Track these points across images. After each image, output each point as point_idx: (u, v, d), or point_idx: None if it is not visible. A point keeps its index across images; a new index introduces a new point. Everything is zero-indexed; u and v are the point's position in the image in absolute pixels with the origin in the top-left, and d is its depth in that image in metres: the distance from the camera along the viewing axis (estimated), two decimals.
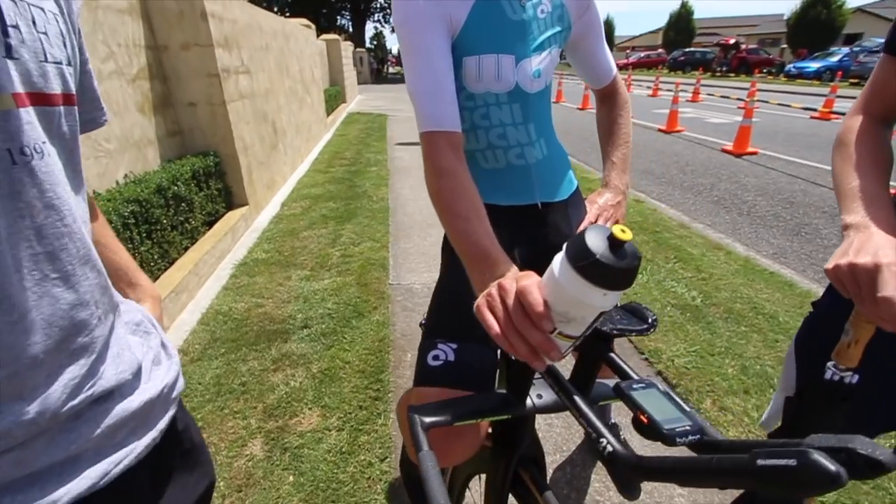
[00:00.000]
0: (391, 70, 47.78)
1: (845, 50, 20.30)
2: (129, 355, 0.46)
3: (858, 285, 0.54)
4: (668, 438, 0.39)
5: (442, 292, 0.89)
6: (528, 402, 0.58)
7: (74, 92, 0.41)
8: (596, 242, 0.37)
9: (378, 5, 35.95)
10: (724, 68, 25.90)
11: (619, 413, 1.47)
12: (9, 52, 0.33)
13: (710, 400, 1.70)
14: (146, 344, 0.52)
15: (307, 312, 2.30)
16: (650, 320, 0.57)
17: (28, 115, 0.34)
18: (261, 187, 4.00)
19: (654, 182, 4.88)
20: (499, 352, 0.78)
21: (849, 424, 0.75)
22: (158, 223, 2.45)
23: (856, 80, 16.10)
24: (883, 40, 0.68)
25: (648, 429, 0.41)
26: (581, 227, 0.91)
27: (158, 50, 3.02)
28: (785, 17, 29.32)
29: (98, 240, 0.57)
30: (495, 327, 0.45)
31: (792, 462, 0.28)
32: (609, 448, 0.43)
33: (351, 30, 34.98)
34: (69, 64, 0.40)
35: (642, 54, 37.43)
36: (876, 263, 0.52)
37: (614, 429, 1.43)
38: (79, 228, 0.39)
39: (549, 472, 1.42)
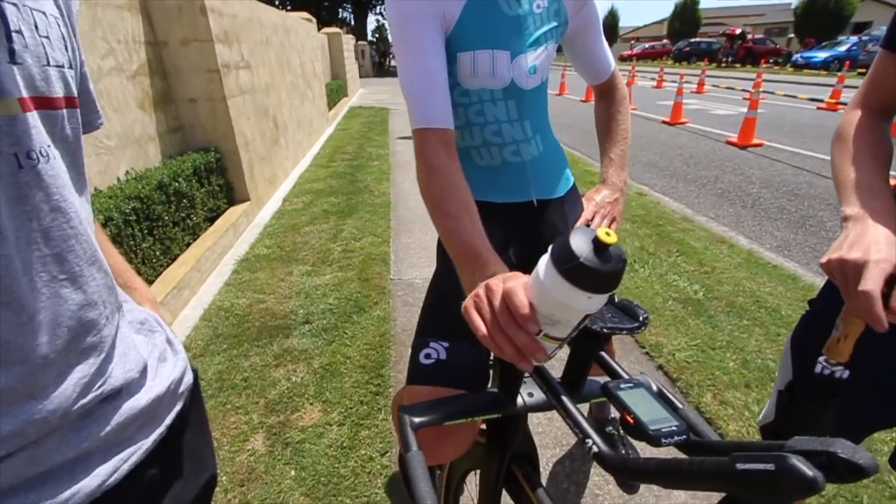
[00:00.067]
0: (393, 63, 47.56)
1: (854, 39, 19.99)
2: (135, 354, 0.47)
3: (847, 280, 0.54)
4: (654, 439, 0.39)
5: (435, 291, 0.89)
6: (519, 400, 0.58)
7: (76, 94, 0.41)
8: (580, 245, 0.37)
9: None
10: (730, 59, 25.58)
11: None
12: (13, 57, 0.33)
13: (711, 394, 1.70)
14: (151, 342, 0.52)
15: (308, 308, 2.31)
16: (641, 318, 0.56)
17: (33, 119, 0.35)
18: (262, 183, 4.01)
19: (657, 175, 4.85)
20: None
21: (841, 421, 0.75)
22: (160, 219, 2.46)
23: (864, 70, 15.76)
24: None
25: (634, 429, 0.41)
26: (576, 225, 0.90)
27: (158, 46, 3.01)
28: (792, 6, 28.91)
29: None
30: (482, 328, 0.45)
31: (770, 467, 0.28)
32: (595, 449, 0.43)
33: (353, 22, 34.78)
34: (70, 67, 0.41)
35: (647, 45, 37.03)
36: (865, 259, 0.52)
37: (614, 424, 1.43)
38: (84, 230, 0.40)
39: (550, 466, 1.43)
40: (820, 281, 2.52)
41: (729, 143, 6.10)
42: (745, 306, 2.27)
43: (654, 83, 14.26)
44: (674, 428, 0.40)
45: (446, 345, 0.79)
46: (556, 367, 0.57)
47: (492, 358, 0.80)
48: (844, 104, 8.62)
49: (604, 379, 0.63)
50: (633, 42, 42.58)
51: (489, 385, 0.80)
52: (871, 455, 0.28)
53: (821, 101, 8.89)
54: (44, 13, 0.37)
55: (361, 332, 2.10)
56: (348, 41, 12.11)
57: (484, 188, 0.89)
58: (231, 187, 3.52)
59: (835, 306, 0.61)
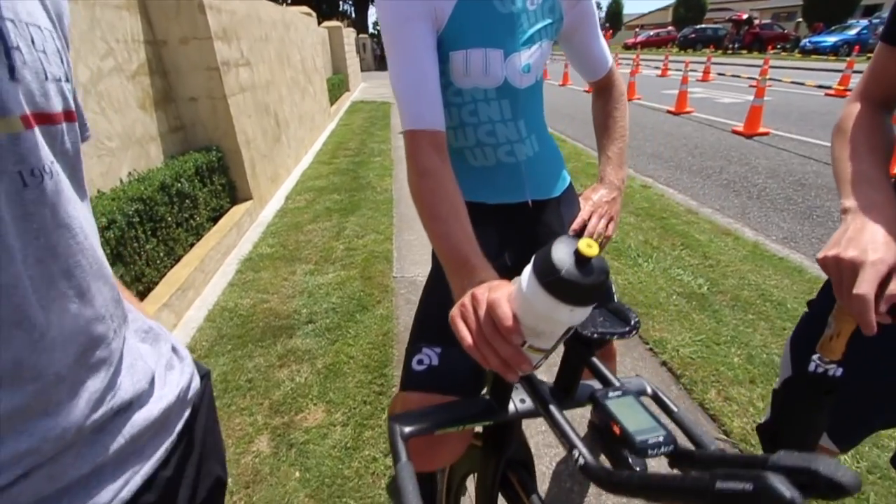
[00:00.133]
0: None
1: (864, 22, 19.58)
2: (143, 364, 0.47)
3: (841, 278, 0.54)
4: (639, 451, 0.39)
5: (428, 295, 0.88)
6: (511, 407, 0.57)
7: (74, 108, 0.41)
8: (562, 258, 0.36)
9: None
10: (737, 45, 25.18)
11: None
12: (12, 75, 0.32)
13: (715, 390, 1.69)
14: (157, 351, 0.53)
15: (312, 307, 2.32)
16: (633, 322, 0.56)
17: (35, 136, 0.34)
18: (264, 181, 4.01)
19: (662, 166, 4.80)
20: None
21: (840, 421, 0.74)
22: (163, 221, 2.47)
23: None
24: None
25: (620, 440, 0.41)
26: (573, 226, 0.89)
27: (157, 45, 3.01)
28: None
29: None
30: (467, 338, 0.44)
31: (749, 486, 0.28)
32: (581, 461, 0.42)
33: (353, 15, 34.55)
34: (67, 80, 0.40)
35: (651, 33, 36.50)
36: (861, 260, 0.51)
37: None
38: (90, 244, 0.40)
39: (553, 465, 1.43)
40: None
41: (735, 132, 6.02)
42: (751, 300, 2.25)
43: (659, 72, 14.08)
44: (660, 439, 0.40)
45: (438, 350, 0.79)
46: (553, 368, 0.57)
47: None
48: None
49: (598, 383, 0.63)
50: (637, 30, 41.98)
51: (484, 390, 0.80)
52: (853, 473, 0.28)
53: (829, 87, 8.75)
54: (39, 27, 0.36)
55: (364, 331, 2.11)
56: (349, 35, 12.04)
57: (478, 189, 0.88)
58: (233, 186, 3.52)
59: (833, 308, 0.60)
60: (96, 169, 2.28)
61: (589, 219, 0.89)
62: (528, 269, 0.39)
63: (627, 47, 33.86)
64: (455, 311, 0.48)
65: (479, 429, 0.77)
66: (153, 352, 0.52)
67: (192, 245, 2.81)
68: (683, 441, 0.49)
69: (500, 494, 0.71)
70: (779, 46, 23.52)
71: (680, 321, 2.11)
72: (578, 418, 1.54)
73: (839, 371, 0.61)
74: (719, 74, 12.18)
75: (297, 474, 1.41)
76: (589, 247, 0.36)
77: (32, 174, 0.34)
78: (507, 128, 0.83)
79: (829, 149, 0.72)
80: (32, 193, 0.34)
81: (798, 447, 0.67)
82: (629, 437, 0.40)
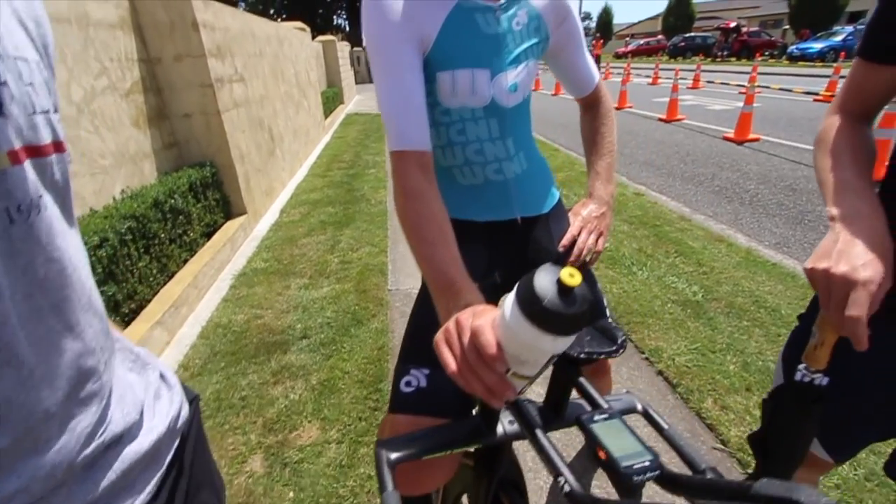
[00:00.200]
0: None
1: (849, 28, 19.96)
2: (132, 396, 0.47)
3: (830, 293, 0.54)
4: (625, 476, 0.39)
5: (416, 316, 0.88)
6: (500, 429, 0.57)
7: (62, 138, 0.41)
8: (544, 287, 0.36)
9: None
10: (726, 53, 25.56)
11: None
12: (1, 111, 0.32)
13: (712, 399, 1.68)
14: (145, 379, 0.52)
15: (306, 322, 2.31)
16: (619, 341, 0.56)
17: (23, 171, 0.34)
18: (259, 195, 4.01)
19: (654, 173, 4.84)
20: None
21: (835, 438, 0.74)
22: (156, 237, 2.47)
23: None
24: None
25: (606, 465, 0.40)
26: (563, 241, 0.90)
27: (151, 62, 3.03)
28: None
29: None
30: (451, 365, 0.44)
31: None
32: (567, 488, 0.42)
33: (347, 29, 34.93)
34: (55, 111, 0.40)
35: (641, 41, 37.05)
36: (853, 279, 0.51)
37: None
38: (79, 276, 0.39)
39: (550, 479, 1.42)
40: None
41: (726, 138, 6.08)
42: (745, 307, 2.26)
43: (650, 80, 14.25)
44: (646, 464, 0.40)
45: (427, 372, 0.78)
46: (546, 380, 0.56)
47: None
48: None
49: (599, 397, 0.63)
50: (628, 39, 42.61)
51: (475, 409, 0.79)
52: (833, 502, 0.28)
53: (816, 93, 8.88)
54: (26, 60, 0.36)
55: (359, 345, 2.10)
56: (343, 48, 12.15)
57: (467, 207, 0.88)
58: (228, 201, 3.53)
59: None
60: (89, 187, 2.28)
61: (578, 234, 0.89)
62: (511, 298, 0.39)
63: (619, 56, 34.31)
64: (439, 337, 0.47)
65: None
66: (141, 381, 0.51)
67: (185, 261, 2.80)
68: (674, 458, 0.48)
69: None
70: (767, 53, 23.88)
71: (675, 329, 2.11)
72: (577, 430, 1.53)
73: (825, 380, 0.61)
74: (709, 82, 12.34)
75: (291, 494, 1.39)
76: (571, 276, 0.36)
77: (19, 210, 0.33)
78: (496, 146, 0.84)
79: None
80: (20, 229, 0.34)
81: (788, 456, 0.68)
82: (614, 462, 0.40)
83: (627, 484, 0.39)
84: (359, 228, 3.56)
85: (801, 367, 0.63)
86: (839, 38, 19.12)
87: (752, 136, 5.87)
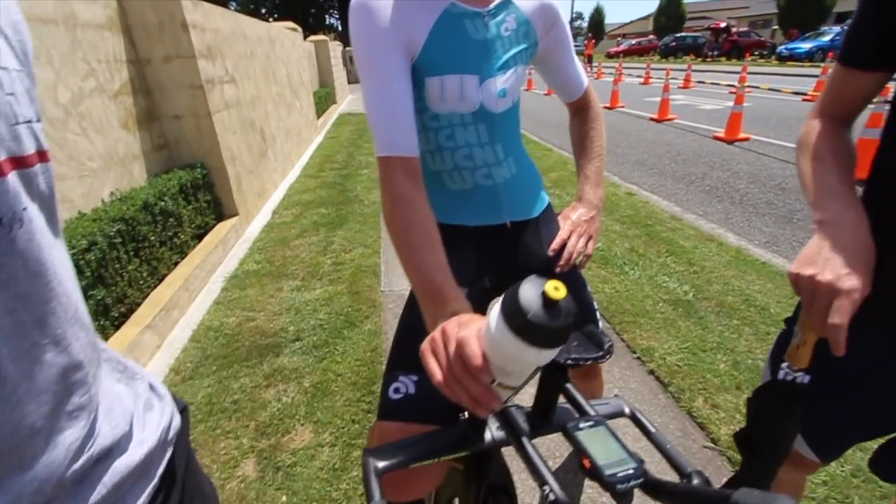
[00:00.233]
0: None
1: (837, 29, 20.20)
2: (120, 407, 0.46)
3: (813, 298, 0.55)
4: (609, 485, 0.39)
5: (404, 322, 0.88)
6: (487, 435, 0.57)
7: (46, 148, 0.40)
8: (529, 300, 0.36)
9: None
10: (716, 53, 25.78)
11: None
12: None
13: (702, 398, 1.70)
14: (133, 390, 0.51)
15: (299, 324, 2.30)
16: (606, 347, 0.56)
17: (6, 184, 0.33)
18: (251, 196, 3.99)
19: (646, 173, 4.87)
20: None
21: (820, 439, 0.75)
22: (146, 240, 2.44)
23: None
24: None
25: (591, 473, 0.41)
26: (553, 245, 0.90)
27: (140, 63, 3.00)
28: None
29: None
30: (437, 375, 0.44)
31: None
32: (551, 496, 0.43)
33: (340, 28, 34.80)
34: (38, 120, 0.40)
35: (633, 41, 37.28)
36: (838, 287, 0.52)
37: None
38: (65, 289, 0.39)
39: None
40: None
41: (716, 138, 6.14)
42: (735, 305, 2.28)
43: (642, 80, 14.35)
44: (630, 471, 0.40)
45: (415, 378, 0.78)
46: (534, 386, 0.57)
47: None
48: None
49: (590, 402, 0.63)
50: (619, 39, 42.85)
51: (464, 415, 0.79)
52: None
53: (805, 93, 8.99)
54: (7, 69, 0.36)
55: (352, 347, 2.09)
56: (335, 48, 12.11)
57: (456, 212, 0.89)
58: (219, 203, 3.50)
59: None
60: (77, 190, 2.26)
61: (568, 238, 0.90)
62: (496, 310, 0.39)
63: (611, 56, 34.50)
64: (425, 346, 0.47)
65: None
66: (130, 392, 0.50)
67: (176, 264, 2.78)
68: (659, 463, 0.49)
69: None
70: (756, 53, 24.13)
71: (666, 329, 2.13)
72: None
73: (806, 378, 0.63)
74: (699, 82, 12.44)
75: (284, 498, 1.38)
76: (556, 290, 0.36)
77: (1, 223, 0.33)
78: (485, 151, 0.84)
79: None
80: (2, 243, 0.33)
81: (773, 453, 0.69)
82: (598, 470, 0.40)
83: (612, 492, 0.40)
84: (352, 229, 3.56)
85: (783, 365, 0.64)
86: (827, 38, 19.36)
87: (742, 135, 5.93)
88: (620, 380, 1.85)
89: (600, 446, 0.42)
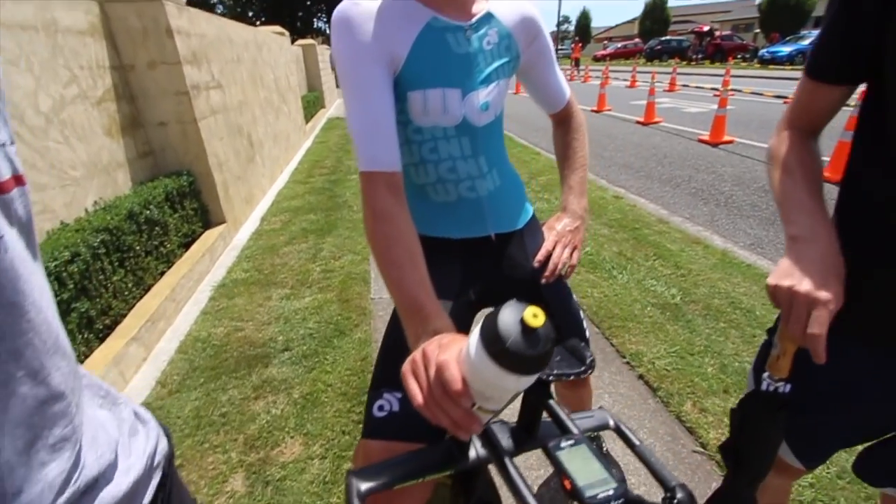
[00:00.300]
0: None
1: (815, 33, 20.67)
2: (105, 435, 0.45)
3: (791, 309, 0.56)
4: None
5: (388, 338, 0.87)
6: (472, 453, 0.56)
7: (22, 171, 0.39)
8: (508, 328, 0.37)
9: None
10: (700, 56, 26.21)
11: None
12: None
13: (691, 402, 1.72)
14: (117, 416, 0.50)
15: (288, 334, 2.28)
16: (588, 361, 0.57)
17: None
18: (239, 203, 3.95)
19: (633, 176, 4.92)
20: None
21: (804, 446, 0.77)
22: (131, 250, 2.40)
23: None
24: None
25: (571, 494, 0.41)
26: (538, 257, 0.90)
27: (124, 70, 2.95)
28: (757, 2, 29.79)
29: None
30: (418, 398, 0.44)
31: None
32: None
33: (328, 31, 34.71)
34: (12, 143, 0.39)
35: (619, 45, 37.75)
36: (815, 297, 0.54)
37: (598, 440, 1.43)
38: (44, 318, 0.37)
39: (534, 487, 1.43)
40: None
41: (701, 140, 6.23)
42: (722, 308, 2.32)
43: (628, 83, 14.52)
44: (610, 492, 0.41)
45: (400, 395, 0.77)
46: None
47: None
48: None
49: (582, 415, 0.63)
50: (606, 42, 43.35)
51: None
52: None
53: (786, 96, 9.15)
54: None
55: (342, 357, 2.08)
56: (323, 52, 12.06)
57: (440, 224, 0.89)
58: (206, 210, 3.46)
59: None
60: (59, 200, 2.21)
61: (553, 248, 0.90)
62: (475, 335, 0.40)
63: (598, 59, 34.88)
64: (406, 368, 0.47)
65: None
66: (113, 418, 0.49)
67: (162, 273, 2.74)
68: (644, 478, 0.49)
69: None
70: (739, 56, 24.57)
71: (655, 333, 2.15)
72: None
73: (788, 388, 0.64)
74: (684, 86, 12.62)
75: None
76: (535, 317, 0.36)
77: None
78: (468, 164, 0.84)
79: None
80: None
81: (757, 463, 0.70)
82: (579, 491, 0.40)
83: None
84: (341, 236, 3.54)
85: (765, 376, 0.65)
86: (807, 41, 19.80)
87: (726, 138, 6.03)
88: (610, 385, 1.86)
89: (581, 466, 0.43)
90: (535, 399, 0.56)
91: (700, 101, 10.19)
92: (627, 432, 0.59)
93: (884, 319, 0.63)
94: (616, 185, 4.61)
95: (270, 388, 1.90)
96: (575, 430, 0.52)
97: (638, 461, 0.55)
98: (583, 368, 0.56)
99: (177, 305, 2.60)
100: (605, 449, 1.40)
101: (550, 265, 0.89)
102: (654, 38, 32.96)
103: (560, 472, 0.42)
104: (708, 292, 2.47)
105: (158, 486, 0.50)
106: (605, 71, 11.67)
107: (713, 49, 25.53)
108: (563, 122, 0.99)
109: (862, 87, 0.65)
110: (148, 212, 2.60)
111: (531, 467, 1.49)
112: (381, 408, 0.77)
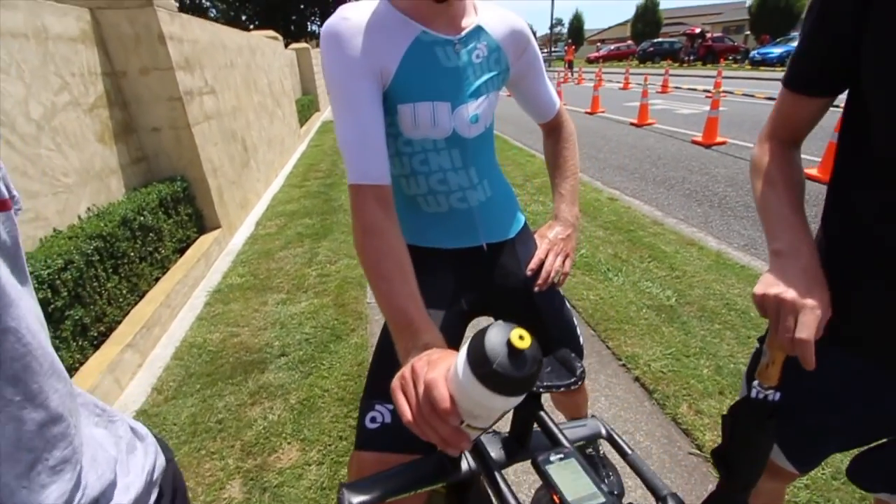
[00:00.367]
0: None
1: None
2: (104, 454, 0.45)
3: (778, 317, 0.58)
4: None
5: (380, 349, 0.87)
6: (464, 464, 0.56)
7: (7, 196, 0.39)
8: (494, 349, 0.37)
9: None
10: (692, 58, 26.42)
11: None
12: None
13: (687, 404, 1.73)
14: (114, 433, 0.50)
15: (284, 339, 2.27)
16: (578, 373, 0.57)
17: None
18: (234, 208, 3.94)
19: (627, 178, 4.95)
20: None
21: (799, 448, 0.78)
22: (125, 256, 2.39)
23: None
24: None
25: None
26: (531, 265, 0.91)
27: (116, 76, 2.94)
28: (747, 4, 30.09)
29: None
30: (407, 414, 0.44)
31: None
32: None
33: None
34: None
35: (612, 47, 38.00)
36: (801, 304, 0.55)
37: (595, 445, 1.43)
38: (38, 342, 0.37)
39: (531, 492, 1.43)
40: None
41: (694, 142, 6.28)
42: (716, 310, 2.33)
43: (621, 85, 14.62)
44: None
45: (391, 407, 0.77)
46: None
47: None
48: None
49: (577, 423, 0.64)
50: (599, 44, 43.62)
51: None
52: None
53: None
54: None
55: (339, 361, 2.07)
56: (317, 55, 12.06)
57: (432, 235, 0.89)
58: (201, 215, 3.44)
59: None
60: (52, 207, 2.20)
61: (546, 257, 0.91)
62: (462, 356, 0.40)
63: (591, 61, 35.07)
64: (395, 384, 0.48)
65: None
66: (110, 435, 0.49)
67: (157, 279, 2.72)
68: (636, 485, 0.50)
69: None
70: (730, 58, 24.78)
71: (650, 335, 2.16)
72: None
73: (777, 396, 0.65)
74: (676, 87, 12.72)
75: None
76: (521, 339, 0.36)
77: None
78: (458, 175, 0.84)
79: None
80: None
81: (748, 469, 0.70)
82: None
83: None
84: (336, 240, 3.53)
85: (755, 384, 0.66)
86: (796, 43, 20.01)
87: (719, 139, 6.08)
88: (606, 387, 1.87)
89: (570, 481, 0.43)
90: (526, 411, 0.57)
91: (692, 102, 10.27)
92: (620, 441, 0.59)
93: (871, 329, 0.64)
94: (611, 187, 4.63)
95: (267, 393, 1.89)
96: (565, 443, 0.52)
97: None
98: (573, 380, 0.56)
99: (172, 311, 2.59)
100: (601, 452, 1.40)
101: (543, 273, 0.90)
102: (646, 40, 33.17)
103: (549, 486, 0.43)
104: (703, 294, 2.49)
105: (157, 500, 0.50)
106: (599, 73, 11.75)
107: (705, 51, 25.72)
108: (553, 131, 0.99)
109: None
110: (142, 218, 2.59)
111: (528, 470, 1.49)
112: (373, 419, 0.77)
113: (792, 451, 0.78)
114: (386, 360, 0.83)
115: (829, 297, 0.58)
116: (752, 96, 9.35)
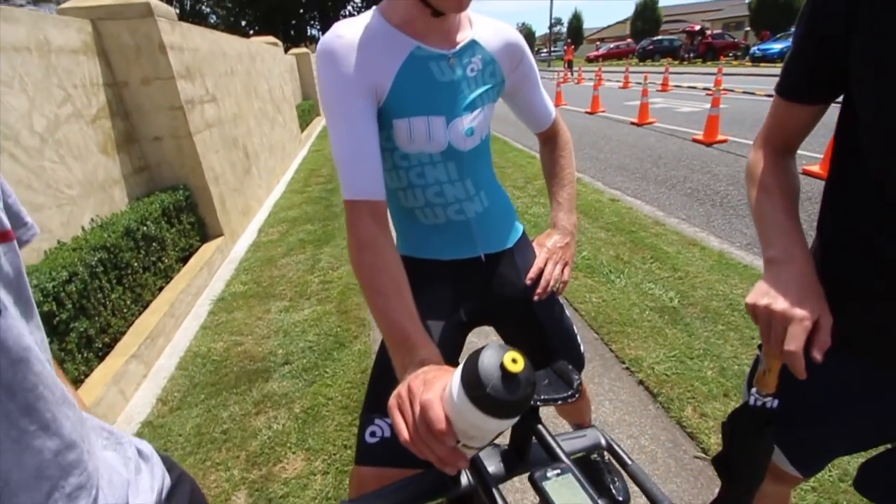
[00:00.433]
0: None
1: None
2: (118, 477, 0.45)
3: (770, 327, 0.58)
4: None
5: (379, 363, 0.88)
6: (464, 479, 0.56)
7: (9, 227, 0.39)
8: (488, 372, 0.37)
9: (346, 13, 35.87)
10: (692, 55, 26.35)
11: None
12: None
13: (691, 407, 1.72)
14: (123, 455, 0.50)
15: (288, 347, 2.28)
16: (575, 385, 0.57)
17: None
18: (236, 215, 3.95)
19: (628, 178, 4.94)
20: None
21: (802, 452, 0.78)
22: (129, 267, 2.40)
23: None
24: None
25: None
26: (530, 274, 0.91)
27: (118, 86, 2.96)
28: (746, 0, 30.00)
29: None
30: (404, 433, 0.45)
31: None
32: None
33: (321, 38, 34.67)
34: None
35: (612, 45, 37.97)
36: (790, 315, 0.56)
37: (600, 452, 1.43)
38: (49, 372, 0.38)
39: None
40: None
41: (695, 140, 6.26)
42: (720, 311, 2.32)
43: (621, 84, 14.60)
44: None
45: (391, 421, 0.78)
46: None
47: None
48: None
49: (575, 434, 0.63)
50: (598, 43, 43.58)
51: None
52: None
53: None
54: None
55: (342, 369, 2.08)
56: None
57: (430, 246, 0.89)
58: (203, 223, 3.46)
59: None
60: (56, 219, 2.21)
61: (545, 265, 0.91)
62: (457, 378, 0.40)
63: (590, 60, 35.07)
64: (392, 402, 0.48)
65: None
66: (119, 457, 0.49)
67: (160, 289, 2.74)
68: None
69: None
70: (731, 54, 24.71)
71: (654, 337, 2.15)
72: None
73: (775, 403, 0.65)
74: (676, 86, 12.69)
75: None
76: (514, 362, 0.37)
77: None
78: (455, 188, 0.85)
79: None
80: None
81: (748, 476, 0.71)
82: None
83: None
84: (339, 246, 3.54)
85: (752, 391, 0.66)
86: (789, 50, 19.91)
87: (720, 137, 6.06)
88: (610, 391, 1.86)
89: (567, 497, 0.43)
90: (523, 425, 0.57)
91: (693, 100, 10.25)
92: (620, 451, 0.59)
93: (870, 335, 0.64)
94: (612, 187, 4.63)
95: (271, 402, 1.90)
96: (563, 457, 0.52)
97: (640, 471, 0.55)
98: (570, 392, 0.56)
99: (176, 321, 2.60)
100: (607, 457, 1.40)
101: (542, 282, 0.90)
102: (645, 38, 33.14)
103: (545, 503, 0.43)
104: (706, 294, 2.48)
105: None
106: (598, 72, 11.73)
107: (705, 48, 25.66)
108: (549, 140, 1.00)
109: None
110: (145, 228, 2.60)
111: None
112: (372, 434, 0.78)
113: (795, 456, 0.78)
114: (385, 375, 0.83)
115: (824, 304, 0.58)
116: (753, 93, 9.32)
